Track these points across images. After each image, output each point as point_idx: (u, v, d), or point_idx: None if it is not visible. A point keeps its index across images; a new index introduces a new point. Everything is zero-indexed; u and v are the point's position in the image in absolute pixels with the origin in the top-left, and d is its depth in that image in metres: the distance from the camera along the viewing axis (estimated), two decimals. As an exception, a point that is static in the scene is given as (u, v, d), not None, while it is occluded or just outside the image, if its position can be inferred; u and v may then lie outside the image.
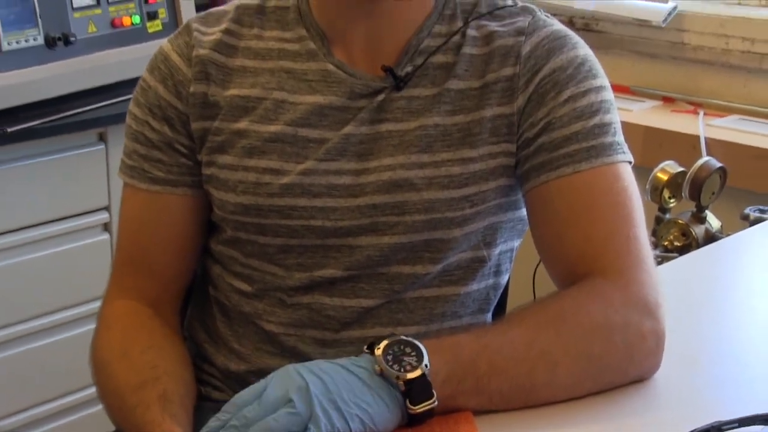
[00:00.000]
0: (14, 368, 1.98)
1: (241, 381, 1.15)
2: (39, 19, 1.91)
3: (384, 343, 0.95)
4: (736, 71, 2.02)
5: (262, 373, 1.11)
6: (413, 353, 0.95)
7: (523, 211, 1.14)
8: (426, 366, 0.94)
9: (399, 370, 0.93)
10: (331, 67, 1.12)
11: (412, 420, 0.94)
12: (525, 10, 1.14)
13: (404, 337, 0.96)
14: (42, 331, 2.00)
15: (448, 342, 0.98)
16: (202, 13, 1.19)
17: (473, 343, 0.98)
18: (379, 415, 0.92)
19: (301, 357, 1.11)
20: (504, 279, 1.19)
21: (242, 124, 1.12)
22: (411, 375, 0.93)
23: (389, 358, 0.94)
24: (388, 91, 1.11)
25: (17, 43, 1.88)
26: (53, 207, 1.98)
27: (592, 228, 1.06)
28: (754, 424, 0.93)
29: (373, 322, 1.12)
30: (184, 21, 1.23)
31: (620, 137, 1.11)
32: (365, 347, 0.97)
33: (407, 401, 0.93)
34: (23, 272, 1.95)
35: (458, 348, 0.98)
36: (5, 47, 1.86)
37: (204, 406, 1.14)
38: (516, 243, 1.19)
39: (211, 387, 1.19)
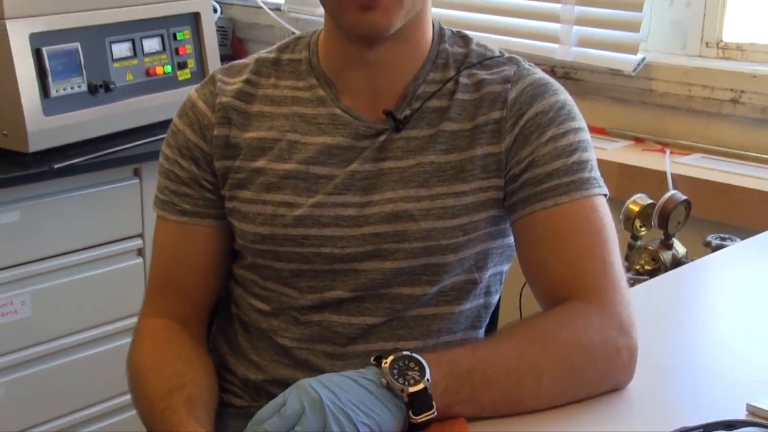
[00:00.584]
0: (58, 377, 1.97)
1: (259, 389, 1.15)
2: (83, 69, 1.93)
3: (390, 357, 0.94)
4: (698, 115, 2.02)
5: (277, 382, 1.12)
6: (416, 368, 0.94)
7: (511, 239, 1.14)
8: (428, 380, 0.93)
9: (403, 384, 0.93)
10: (338, 111, 1.12)
11: (413, 427, 0.93)
12: (511, 61, 1.15)
13: (408, 353, 0.95)
14: (82, 345, 2.00)
15: (447, 356, 0.98)
16: (225, 65, 1.20)
17: (469, 357, 0.98)
18: (384, 423, 0.92)
19: (313, 368, 1.11)
20: (494, 299, 1.18)
21: (260, 163, 1.12)
22: (414, 389, 0.92)
23: (395, 372, 0.93)
24: (389, 132, 1.10)
25: (64, 90, 1.89)
26: (93, 234, 1.98)
27: (572, 254, 1.06)
28: (716, 430, 0.93)
29: (377, 338, 1.11)
30: (211, 70, 1.24)
31: (597, 173, 1.10)
32: (372, 359, 0.96)
33: (410, 412, 0.92)
34: (66, 292, 1.95)
35: (456, 362, 0.97)
36: (53, 94, 1.87)
37: (226, 412, 1.14)
38: (505, 267, 1.18)
39: (232, 394, 1.18)
